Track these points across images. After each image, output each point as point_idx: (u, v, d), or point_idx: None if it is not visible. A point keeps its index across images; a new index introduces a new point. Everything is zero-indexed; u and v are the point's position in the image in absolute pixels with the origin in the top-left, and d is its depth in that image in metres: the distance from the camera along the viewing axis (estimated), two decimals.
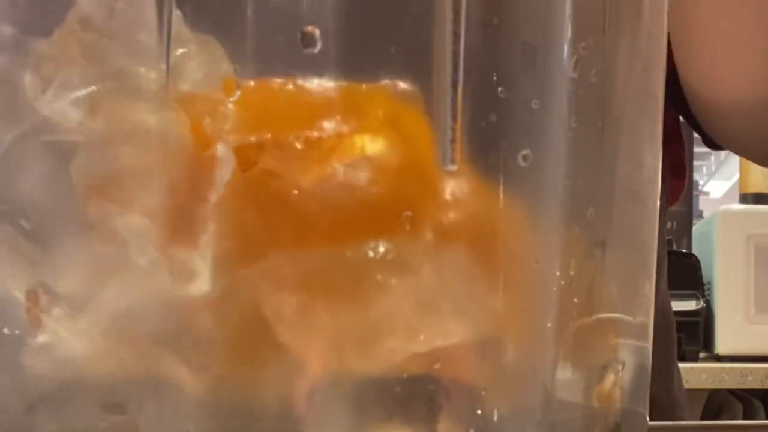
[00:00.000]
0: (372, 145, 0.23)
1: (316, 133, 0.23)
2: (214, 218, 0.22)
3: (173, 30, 0.23)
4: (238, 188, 0.23)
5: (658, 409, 0.76)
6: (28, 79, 0.23)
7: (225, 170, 0.23)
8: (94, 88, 0.23)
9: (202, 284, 0.22)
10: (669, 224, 1.95)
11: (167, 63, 0.23)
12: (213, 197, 0.22)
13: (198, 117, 0.23)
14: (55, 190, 0.24)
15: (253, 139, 0.23)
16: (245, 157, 0.23)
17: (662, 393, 0.80)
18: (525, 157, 0.24)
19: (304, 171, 0.23)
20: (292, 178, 0.23)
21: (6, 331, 0.24)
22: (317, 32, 0.23)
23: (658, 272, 0.81)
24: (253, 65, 0.24)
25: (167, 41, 0.23)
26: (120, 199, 0.23)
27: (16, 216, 0.24)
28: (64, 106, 0.23)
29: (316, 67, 0.23)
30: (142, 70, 0.23)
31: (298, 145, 0.23)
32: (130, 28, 0.23)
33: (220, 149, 0.23)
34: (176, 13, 0.23)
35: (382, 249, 0.23)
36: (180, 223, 0.23)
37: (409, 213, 0.23)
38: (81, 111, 0.23)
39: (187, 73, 0.23)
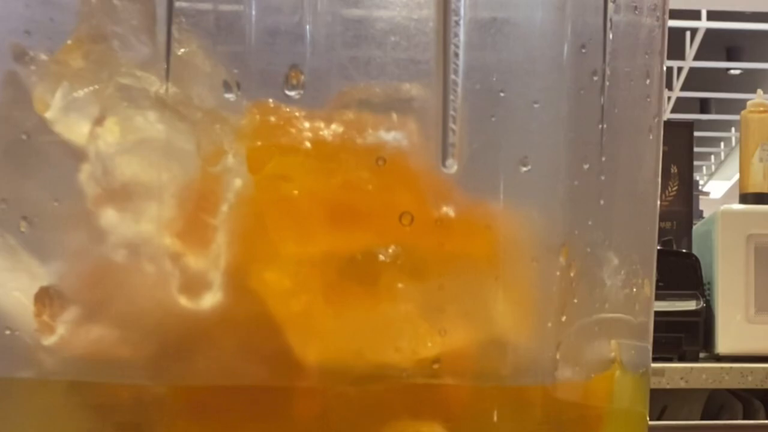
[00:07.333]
0: (375, 148, 0.23)
1: (321, 137, 0.23)
2: (224, 225, 0.22)
3: (174, 36, 0.23)
4: (247, 193, 0.23)
5: None
6: (35, 87, 0.23)
7: (235, 177, 0.23)
8: (101, 95, 0.23)
9: (211, 289, 0.23)
10: (669, 224, 1.95)
11: (167, 66, 0.23)
12: (224, 204, 0.22)
13: (206, 125, 0.23)
14: (65, 196, 0.24)
15: (260, 144, 0.23)
16: (254, 162, 0.23)
17: None
18: (525, 158, 0.24)
19: (311, 175, 0.23)
20: (300, 182, 0.23)
21: (8, 333, 0.24)
22: (302, 78, 0.23)
23: None
24: (253, 65, 0.24)
25: (167, 47, 0.23)
26: (129, 207, 0.23)
27: (20, 218, 0.24)
28: (70, 115, 0.23)
29: (315, 69, 0.23)
30: (151, 79, 0.23)
31: (304, 150, 0.23)
32: (135, 38, 0.23)
33: (230, 156, 0.23)
34: (177, 20, 0.23)
35: (383, 251, 0.23)
36: (189, 230, 0.23)
37: (409, 214, 0.23)
38: (89, 120, 0.23)
39: (190, 80, 0.23)
